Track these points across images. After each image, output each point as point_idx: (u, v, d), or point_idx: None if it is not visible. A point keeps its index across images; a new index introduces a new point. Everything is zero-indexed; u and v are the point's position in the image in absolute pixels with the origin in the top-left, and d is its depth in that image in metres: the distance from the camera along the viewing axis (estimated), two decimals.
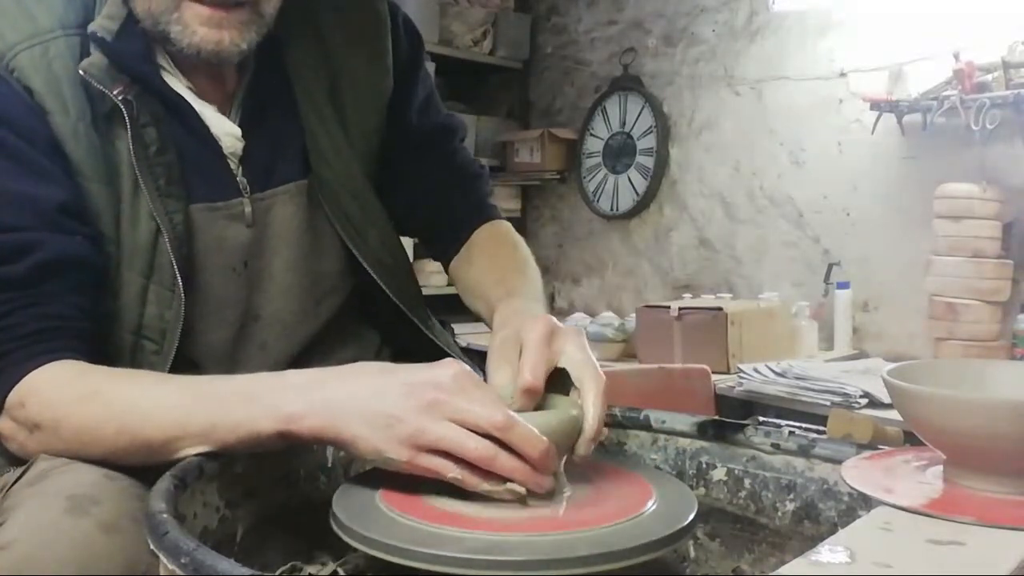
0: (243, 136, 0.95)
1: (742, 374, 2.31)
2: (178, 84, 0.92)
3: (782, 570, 0.51)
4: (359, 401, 0.67)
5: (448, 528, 0.62)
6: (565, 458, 0.69)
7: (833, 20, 2.78)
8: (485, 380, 0.73)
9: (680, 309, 2.56)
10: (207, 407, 0.72)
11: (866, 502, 0.68)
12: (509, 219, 1.17)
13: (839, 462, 0.71)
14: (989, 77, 2.32)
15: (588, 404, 0.71)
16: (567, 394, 0.73)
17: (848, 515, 0.73)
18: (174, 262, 0.88)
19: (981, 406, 0.60)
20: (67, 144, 0.85)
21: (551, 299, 3.62)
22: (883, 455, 0.72)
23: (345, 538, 0.63)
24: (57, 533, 0.64)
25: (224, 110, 0.95)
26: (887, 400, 1.62)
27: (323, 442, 0.73)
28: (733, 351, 2.48)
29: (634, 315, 2.75)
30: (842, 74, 2.77)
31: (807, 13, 2.82)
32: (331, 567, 0.71)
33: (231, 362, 0.96)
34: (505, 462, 0.64)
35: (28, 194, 0.82)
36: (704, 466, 0.83)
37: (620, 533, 0.63)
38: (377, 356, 1.07)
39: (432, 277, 3.00)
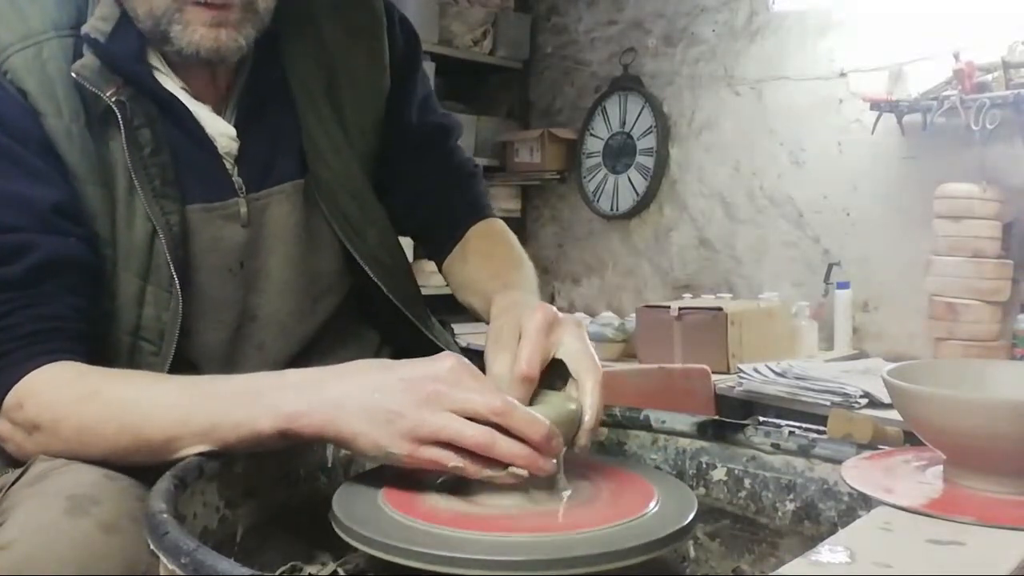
0: (239, 135, 0.95)
1: (742, 374, 2.31)
2: (172, 85, 0.92)
3: (782, 570, 0.51)
4: (359, 398, 0.68)
5: (448, 528, 0.62)
6: (563, 451, 0.69)
7: (833, 20, 2.78)
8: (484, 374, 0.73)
9: (680, 309, 2.56)
10: (207, 407, 0.72)
11: (866, 502, 0.68)
12: (509, 219, 1.17)
13: (839, 462, 0.71)
14: (989, 77, 2.32)
15: (586, 395, 0.72)
16: (564, 383, 0.74)
17: (848, 515, 0.73)
18: (171, 263, 0.88)
19: (981, 406, 0.60)
20: (61, 146, 0.85)
21: (551, 299, 3.61)
22: (883, 455, 0.72)
23: (345, 538, 0.63)
24: (57, 533, 0.64)
25: (219, 110, 0.95)
26: (887, 400, 1.62)
27: (324, 440, 0.73)
28: (733, 351, 2.48)
29: (634, 315, 2.75)
30: (842, 74, 2.77)
31: (807, 13, 2.82)
32: (331, 567, 0.71)
33: (229, 362, 0.96)
34: (505, 446, 0.65)
35: (23, 195, 0.82)
36: (704, 466, 0.83)
37: (620, 533, 0.63)
38: (377, 355, 1.07)
39: (432, 277, 2.98)
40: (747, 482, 0.81)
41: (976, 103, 2.29)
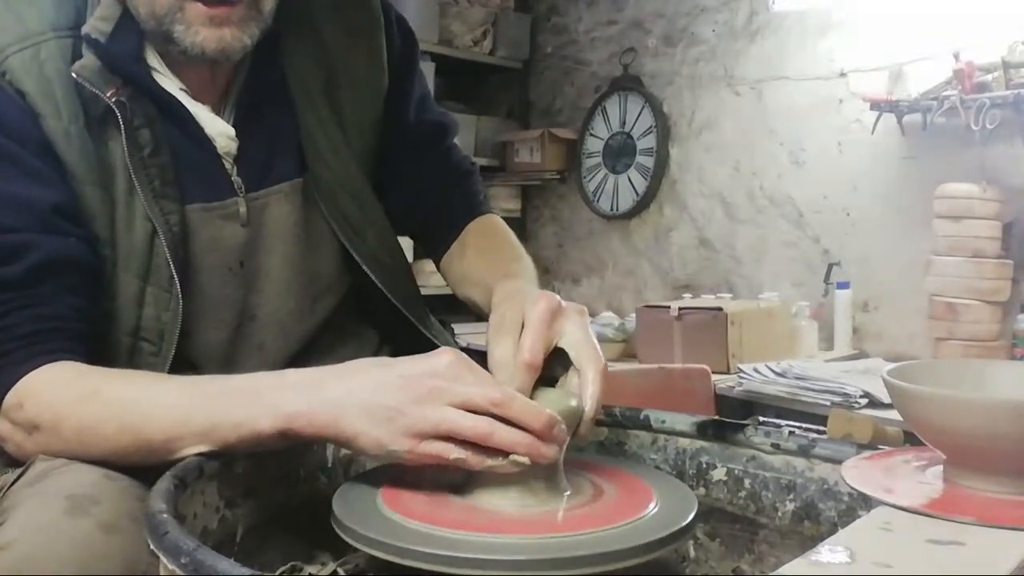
0: (237, 135, 0.95)
1: (742, 374, 2.31)
2: (170, 85, 0.92)
3: (782, 570, 0.51)
4: (358, 397, 0.68)
5: (448, 529, 0.62)
6: (565, 448, 0.70)
7: (833, 20, 2.78)
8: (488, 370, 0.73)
9: (680, 309, 2.56)
10: (207, 407, 0.72)
11: (866, 502, 0.68)
12: (509, 219, 1.17)
13: (839, 462, 0.71)
14: (989, 77, 2.32)
15: (587, 384, 0.72)
16: (565, 372, 0.74)
17: (848, 515, 0.73)
18: (171, 263, 0.88)
19: (981, 406, 0.60)
20: (60, 146, 0.85)
21: None
22: (883, 455, 0.72)
23: (345, 538, 0.63)
24: (57, 533, 0.64)
25: (217, 110, 0.95)
26: (887, 400, 1.62)
27: (325, 440, 0.73)
28: (733, 351, 2.48)
29: (634, 315, 2.75)
30: (842, 74, 2.77)
31: (807, 13, 2.82)
32: (331, 567, 0.71)
33: (228, 362, 0.96)
34: (504, 434, 0.65)
35: (21, 196, 0.82)
36: (704, 466, 0.83)
37: (620, 534, 0.63)
38: (376, 355, 1.07)
39: (432, 277, 2.97)
40: (747, 482, 0.81)
41: (976, 103, 2.29)
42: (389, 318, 1.06)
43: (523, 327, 0.74)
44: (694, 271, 3.20)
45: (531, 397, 0.71)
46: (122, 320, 0.88)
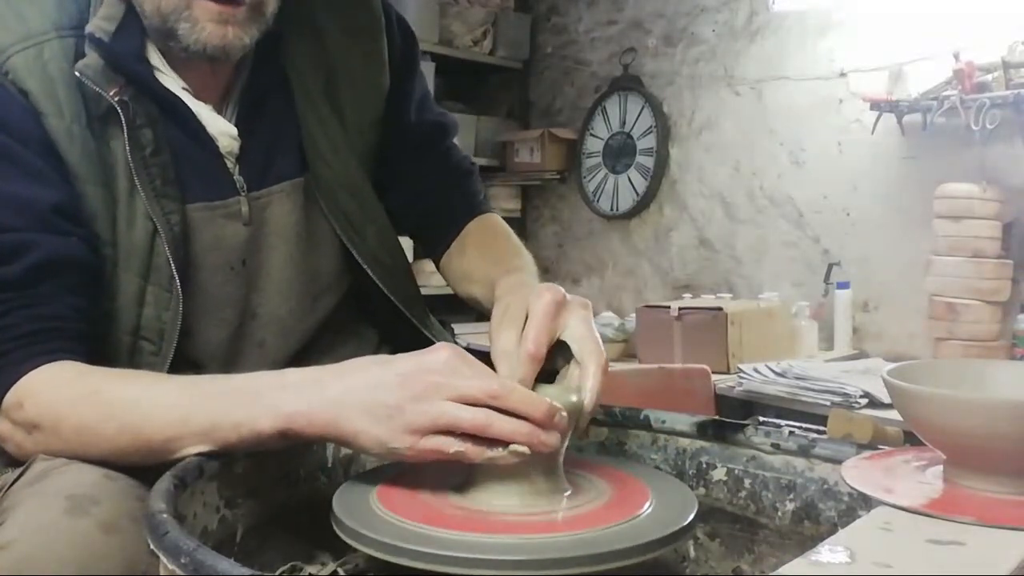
0: (239, 135, 0.95)
1: (742, 374, 2.31)
2: (173, 84, 0.92)
3: (782, 570, 0.51)
4: (357, 396, 0.68)
5: (448, 529, 0.62)
6: (565, 446, 0.70)
7: (833, 20, 2.78)
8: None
9: (680, 309, 2.56)
10: (207, 406, 0.72)
11: (866, 502, 0.68)
12: (509, 219, 1.17)
13: (839, 462, 0.71)
14: (989, 77, 2.32)
15: (587, 377, 0.72)
16: (567, 363, 0.75)
17: (848, 515, 0.73)
18: (171, 262, 0.88)
19: (981, 406, 0.60)
20: (62, 146, 0.85)
21: None
22: (883, 455, 0.72)
23: (345, 538, 0.63)
24: (57, 533, 0.64)
25: (219, 109, 0.95)
26: (887, 400, 1.62)
27: (326, 439, 0.73)
28: (733, 351, 2.48)
29: (634, 315, 2.75)
30: (842, 74, 2.77)
31: (807, 13, 2.82)
32: (331, 567, 0.71)
33: (229, 361, 0.96)
34: (502, 425, 0.65)
35: (22, 195, 0.82)
36: (704, 466, 0.83)
37: (619, 533, 0.63)
38: (376, 353, 1.07)
39: (432, 277, 2.96)
40: (747, 482, 0.81)
41: (976, 103, 2.29)
42: (389, 317, 1.06)
43: (527, 319, 0.74)
44: (694, 271, 3.20)
45: (532, 390, 0.71)
46: (122, 319, 0.88)
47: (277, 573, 0.68)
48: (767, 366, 2.31)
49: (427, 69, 3.17)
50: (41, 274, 0.81)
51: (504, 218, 1.17)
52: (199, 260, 0.92)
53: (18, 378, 0.78)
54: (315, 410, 0.68)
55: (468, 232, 1.11)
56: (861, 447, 0.75)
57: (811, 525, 0.76)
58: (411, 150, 1.12)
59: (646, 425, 0.87)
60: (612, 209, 3.41)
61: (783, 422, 0.82)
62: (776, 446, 0.79)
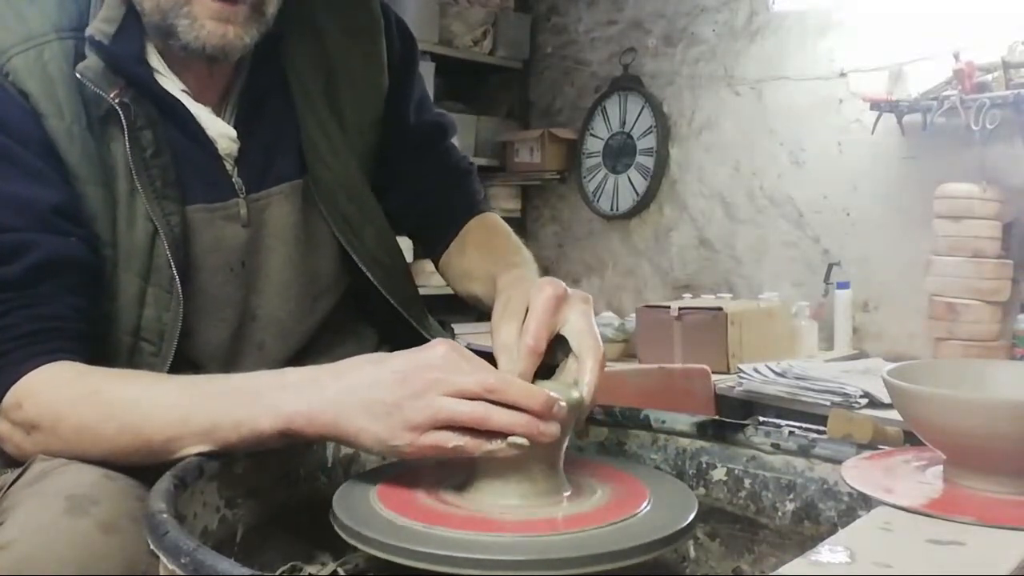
0: (238, 136, 0.95)
1: (742, 374, 2.31)
2: (172, 86, 0.92)
3: (782, 570, 0.51)
4: (357, 394, 0.68)
5: (448, 528, 0.62)
6: (565, 445, 0.70)
7: (833, 20, 2.78)
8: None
9: (680, 309, 2.56)
10: (207, 406, 0.72)
11: (866, 502, 0.68)
12: (509, 219, 1.17)
13: (839, 462, 0.71)
14: (989, 77, 2.32)
15: (585, 372, 0.73)
16: (566, 357, 0.75)
17: (848, 515, 0.73)
18: (172, 263, 0.88)
19: (981, 406, 0.60)
20: (62, 147, 0.85)
21: None
22: (883, 455, 0.72)
23: (345, 538, 0.63)
24: (56, 533, 0.64)
25: (218, 111, 0.96)
26: (887, 400, 1.62)
27: (326, 438, 0.74)
28: (733, 351, 2.48)
29: (634, 315, 2.75)
30: (842, 74, 2.76)
31: (807, 13, 2.82)
32: (331, 567, 0.71)
33: (229, 362, 0.96)
34: (500, 417, 0.65)
35: (22, 196, 0.82)
36: (704, 466, 0.83)
37: (619, 533, 0.63)
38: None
39: (432, 277, 2.96)
40: (747, 482, 0.81)
41: (976, 103, 2.29)
42: (388, 318, 1.06)
43: (528, 313, 0.74)
44: (694, 271, 3.20)
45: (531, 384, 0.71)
46: (123, 320, 0.88)
47: (277, 573, 0.68)
48: (767, 366, 2.31)
49: (427, 69, 3.17)
50: (41, 274, 0.81)
51: (504, 218, 1.17)
52: (199, 261, 0.92)
53: (18, 378, 0.78)
54: (315, 410, 0.69)
55: (468, 231, 1.11)
56: (861, 447, 0.75)
57: (811, 525, 0.76)
58: (410, 151, 1.12)
59: (646, 425, 0.87)
60: (612, 209, 3.41)
61: (783, 422, 0.82)
62: (776, 446, 0.79)
